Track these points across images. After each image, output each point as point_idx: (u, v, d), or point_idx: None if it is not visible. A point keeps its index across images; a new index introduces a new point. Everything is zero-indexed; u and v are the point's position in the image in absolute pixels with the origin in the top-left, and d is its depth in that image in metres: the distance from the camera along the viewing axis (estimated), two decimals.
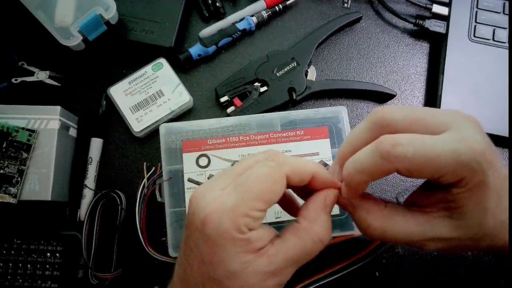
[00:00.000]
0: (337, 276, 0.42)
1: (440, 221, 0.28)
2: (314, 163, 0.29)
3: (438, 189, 0.28)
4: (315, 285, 0.42)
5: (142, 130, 0.49)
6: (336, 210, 0.44)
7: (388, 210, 0.29)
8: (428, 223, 0.28)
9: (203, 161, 0.44)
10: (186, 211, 0.29)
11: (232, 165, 0.29)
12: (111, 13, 0.47)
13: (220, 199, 0.26)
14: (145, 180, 0.44)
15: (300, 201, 0.32)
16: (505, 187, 0.27)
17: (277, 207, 0.45)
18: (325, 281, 0.42)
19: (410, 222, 0.28)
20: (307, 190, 0.30)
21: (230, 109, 0.51)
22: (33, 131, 0.44)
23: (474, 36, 0.53)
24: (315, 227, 0.28)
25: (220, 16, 0.54)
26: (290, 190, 0.32)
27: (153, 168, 0.46)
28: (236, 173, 0.28)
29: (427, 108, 0.29)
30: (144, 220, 0.44)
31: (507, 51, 0.53)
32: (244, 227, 0.26)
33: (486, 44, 0.53)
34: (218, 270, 0.26)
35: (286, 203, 0.33)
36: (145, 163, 0.46)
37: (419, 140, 0.25)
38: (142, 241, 0.43)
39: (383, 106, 0.28)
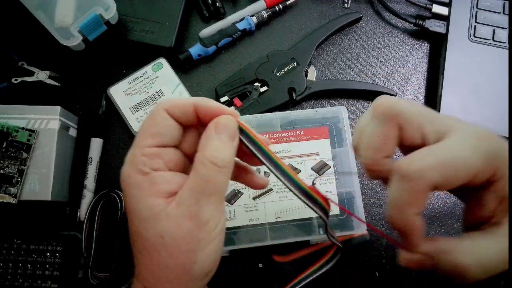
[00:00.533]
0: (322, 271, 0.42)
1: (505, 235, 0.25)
2: (197, 98, 0.28)
3: (483, 192, 0.26)
4: (303, 283, 0.42)
5: None
6: (336, 210, 0.44)
7: (465, 241, 0.26)
8: (504, 237, 0.25)
9: None
10: None
11: None
12: (111, 13, 0.47)
13: (127, 156, 0.28)
14: None
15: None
16: None
17: (276, 207, 0.45)
18: (313, 277, 0.42)
19: (495, 243, 0.26)
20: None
21: None
22: (33, 131, 0.44)
23: (474, 36, 0.53)
24: (203, 151, 0.26)
25: (220, 16, 0.54)
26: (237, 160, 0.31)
27: None
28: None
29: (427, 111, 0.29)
30: None
31: (507, 51, 0.53)
32: (142, 165, 0.26)
33: (486, 44, 0.53)
34: (134, 221, 0.26)
35: (241, 174, 0.32)
36: None
37: (435, 148, 0.25)
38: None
39: (388, 105, 0.27)
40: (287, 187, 0.28)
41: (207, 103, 0.28)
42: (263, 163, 0.28)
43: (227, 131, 0.27)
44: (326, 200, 0.29)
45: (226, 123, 0.27)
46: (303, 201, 0.29)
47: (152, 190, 0.26)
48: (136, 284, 0.27)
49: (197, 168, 0.26)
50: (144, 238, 0.26)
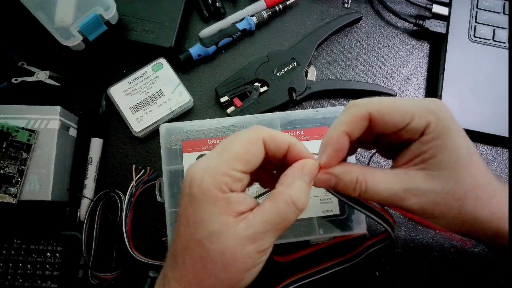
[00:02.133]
0: (325, 274, 0.42)
1: (417, 173, 0.30)
2: (292, 136, 0.31)
3: (412, 144, 0.30)
4: (301, 282, 0.42)
5: (142, 130, 0.49)
6: (336, 210, 0.44)
7: (368, 166, 0.32)
8: (406, 174, 0.30)
9: None
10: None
11: None
12: (111, 13, 0.47)
13: (205, 163, 0.28)
14: (133, 182, 0.45)
15: None
16: (474, 150, 0.30)
17: None
18: (311, 279, 0.42)
19: (390, 175, 0.30)
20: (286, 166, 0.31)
21: (230, 109, 0.51)
22: (33, 131, 0.44)
23: (474, 36, 0.53)
24: (289, 190, 0.28)
25: (220, 16, 0.54)
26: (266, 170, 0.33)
27: (142, 170, 0.47)
28: (222, 146, 0.30)
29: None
30: (130, 223, 0.45)
31: (507, 51, 0.53)
32: (224, 185, 0.27)
33: (486, 44, 0.53)
34: (199, 230, 0.27)
35: (264, 180, 0.34)
36: (134, 166, 0.47)
37: (385, 98, 0.30)
38: (127, 244, 0.43)
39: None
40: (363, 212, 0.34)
41: (300, 146, 0.30)
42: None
43: (312, 176, 0.30)
44: (393, 218, 0.34)
45: (313, 169, 0.30)
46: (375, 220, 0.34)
47: (226, 208, 0.27)
48: (174, 285, 0.28)
49: (278, 203, 0.28)
50: (205, 249, 0.27)
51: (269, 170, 0.33)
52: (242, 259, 0.27)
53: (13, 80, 0.49)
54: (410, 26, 0.55)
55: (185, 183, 0.28)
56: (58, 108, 0.46)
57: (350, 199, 0.33)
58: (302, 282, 0.42)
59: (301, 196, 0.28)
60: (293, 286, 0.42)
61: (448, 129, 0.29)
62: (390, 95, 0.52)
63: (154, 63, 0.51)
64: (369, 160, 0.41)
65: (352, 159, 0.45)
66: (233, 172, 0.28)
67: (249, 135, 0.29)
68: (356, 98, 0.52)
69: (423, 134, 0.29)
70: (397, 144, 0.32)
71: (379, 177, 0.30)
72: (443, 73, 0.52)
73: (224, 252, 0.27)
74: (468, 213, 0.29)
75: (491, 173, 0.30)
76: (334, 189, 0.32)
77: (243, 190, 0.30)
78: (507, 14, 0.54)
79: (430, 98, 0.31)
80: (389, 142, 0.32)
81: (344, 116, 0.30)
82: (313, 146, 0.45)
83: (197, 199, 0.27)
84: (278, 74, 0.51)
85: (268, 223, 0.28)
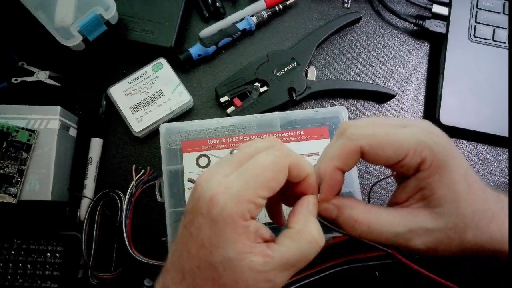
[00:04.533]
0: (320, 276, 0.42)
1: (420, 211, 0.29)
2: (312, 166, 0.30)
3: (410, 179, 0.30)
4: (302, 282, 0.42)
5: (142, 130, 0.49)
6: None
7: (372, 206, 0.31)
8: (409, 214, 0.29)
9: (203, 161, 0.44)
10: (189, 198, 0.29)
11: (231, 153, 0.30)
12: (111, 13, 0.47)
13: (226, 184, 0.27)
14: (133, 182, 0.45)
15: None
16: (471, 176, 0.29)
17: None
18: (314, 278, 0.42)
19: (394, 215, 0.30)
20: (287, 193, 0.31)
21: (230, 109, 0.51)
22: (33, 131, 0.44)
23: (474, 36, 0.53)
24: (308, 229, 0.28)
25: (220, 16, 0.54)
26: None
27: (142, 170, 0.47)
28: (238, 161, 0.28)
29: (385, 117, 0.32)
30: (130, 223, 0.44)
31: (507, 51, 0.53)
32: (247, 213, 0.26)
33: (486, 44, 0.53)
34: (215, 255, 0.26)
35: (272, 207, 0.34)
36: (134, 165, 0.47)
37: (379, 123, 0.29)
38: (127, 244, 0.43)
39: (348, 121, 0.32)
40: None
41: (314, 179, 0.30)
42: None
43: (316, 213, 0.30)
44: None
45: (316, 205, 0.30)
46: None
47: (245, 236, 0.26)
48: None
49: (300, 242, 0.28)
50: (218, 273, 0.26)
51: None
52: None
53: (13, 80, 0.49)
54: (410, 26, 0.55)
55: (202, 202, 0.26)
56: (58, 108, 0.46)
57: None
58: (303, 282, 0.42)
59: (320, 234, 0.29)
60: (294, 286, 0.42)
61: (445, 163, 0.28)
62: (390, 95, 0.52)
63: (154, 63, 0.51)
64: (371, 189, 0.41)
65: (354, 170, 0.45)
66: (258, 199, 0.27)
67: (277, 160, 0.28)
68: (356, 98, 0.53)
69: (418, 170, 0.29)
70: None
71: (384, 218, 0.30)
72: (443, 73, 0.52)
73: (236, 281, 0.26)
74: (468, 242, 0.29)
75: (489, 191, 0.30)
76: (335, 221, 0.31)
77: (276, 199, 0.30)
78: (507, 14, 0.54)
79: (426, 127, 0.29)
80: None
81: (334, 149, 0.30)
82: (313, 146, 0.46)
83: (217, 223, 0.26)
84: (278, 74, 0.51)
85: (288, 262, 0.27)
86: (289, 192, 0.31)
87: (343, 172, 0.30)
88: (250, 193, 0.26)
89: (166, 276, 0.29)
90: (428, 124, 0.30)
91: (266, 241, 0.28)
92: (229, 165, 0.28)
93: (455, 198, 0.28)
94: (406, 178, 0.30)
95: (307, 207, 0.30)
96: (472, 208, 0.29)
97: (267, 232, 0.28)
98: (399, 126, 0.29)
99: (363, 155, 0.29)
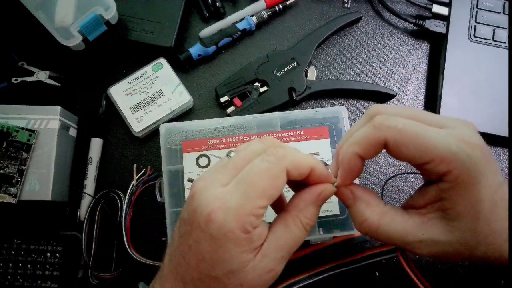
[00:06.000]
0: (324, 276, 0.42)
1: (435, 222, 0.28)
2: (312, 157, 0.29)
3: (431, 185, 0.28)
4: (301, 284, 0.42)
5: (142, 130, 0.49)
6: (336, 210, 0.44)
7: (387, 207, 0.30)
8: (423, 224, 0.28)
9: (203, 161, 0.44)
10: (185, 205, 0.28)
11: (228, 155, 0.29)
12: (111, 13, 0.47)
13: (224, 197, 0.26)
14: (133, 182, 0.45)
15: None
16: (501, 193, 0.27)
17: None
18: (313, 279, 0.42)
19: (407, 222, 0.28)
20: (301, 183, 0.30)
21: (230, 109, 0.51)
22: (33, 131, 0.44)
23: (474, 36, 0.53)
24: (303, 214, 0.28)
25: (220, 16, 0.54)
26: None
27: (143, 169, 0.46)
28: (235, 167, 0.28)
29: (424, 111, 0.30)
30: (130, 223, 0.44)
31: (507, 51, 0.53)
32: (249, 226, 0.26)
33: (486, 44, 0.53)
34: (218, 269, 0.26)
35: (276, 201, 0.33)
36: (135, 165, 0.47)
37: (412, 120, 0.27)
38: (126, 244, 0.43)
39: (380, 104, 0.29)
40: None
41: (321, 170, 0.29)
42: None
43: (325, 201, 0.30)
44: None
45: (330, 195, 0.30)
46: None
47: (248, 247, 0.26)
48: None
49: (291, 228, 0.28)
50: (222, 284, 0.26)
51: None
52: (258, 287, 0.27)
53: (13, 80, 0.49)
54: (410, 26, 0.55)
55: (200, 217, 0.26)
56: (58, 108, 0.46)
57: None
58: (302, 284, 0.42)
59: (314, 220, 0.29)
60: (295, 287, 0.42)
61: (473, 179, 0.25)
62: (390, 95, 0.52)
63: (154, 63, 0.51)
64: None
65: None
66: (258, 210, 0.26)
67: (272, 167, 0.26)
68: (356, 98, 0.53)
69: (442, 179, 0.27)
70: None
71: (396, 224, 0.28)
72: (443, 73, 0.52)
73: (241, 285, 0.26)
74: (476, 257, 0.28)
75: None
76: (347, 208, 0.31)
77: None
78: (507, 14, 0.54)
79: (464, 134, 0.26)
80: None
81: (358, 135, 0.28)
82: (313, 146, 0.46)
83: (217, 240, 0.25)
84: (278, 74, 0.51)
85: (283, 249, 0.28)
86: (300, 183, 0.30)
87: (363, 160, 0.29)
88: (249, 206, 0.26)
89: (164, 284, 0.29)
90: (468, 130, 0.27)
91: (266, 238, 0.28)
92: (225, 172, 0.27)
93: (476, 216, 0.26)
94: (428, 182, 0.29)
95: (313, 195, 0.29)
96: (490, 227, 0.27)
97: (266, 229, 0.28)
98: (435, 125, 0.27)
99: (386, 147, 0.27)
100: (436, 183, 0.27)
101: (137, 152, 0.50)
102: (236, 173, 0.27)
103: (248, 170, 0.27)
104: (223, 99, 0.51)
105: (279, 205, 0.32)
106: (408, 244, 0.28)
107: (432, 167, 0.26)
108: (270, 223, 0.30)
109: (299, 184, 0.31)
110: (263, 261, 0.27)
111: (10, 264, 0.44)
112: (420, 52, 0.56)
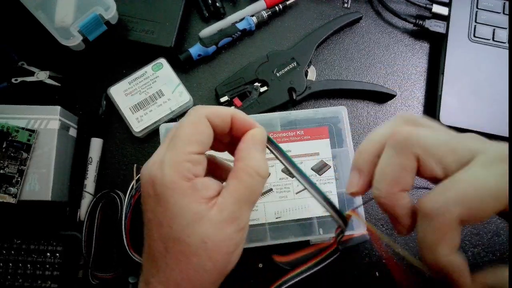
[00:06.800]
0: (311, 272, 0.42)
1: None
2: (233, 109, 0.30)
3: None
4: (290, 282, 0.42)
5: (142, 130, 0.49)
6: None
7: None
8: None
9: None
10: None
11: None
12: (111, 13, 0.47)
13: (159, 158, 0.27)
14: (133, 182, 0.45)
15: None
16: None
17: (276, 208, 0.45)
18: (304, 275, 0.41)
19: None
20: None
21: None
22: (33, 131, 0.44)
23: (474, 36, 0.53)
24: (247, 162, 0.28)
25: (220, 16, 0.54)
26: (217, 157, 0.33)
27: None
28: (169, 137, 0.29)
29: (452, 132, 0.27)
30: (129, 222, 0.44)
31: (507, 51, 0.53)
32: (187, 172, 0.27)
33: (486, 44, 0.53)
34: (174, 227, 0.26)
35: (215, 170, 0.33)
36: (135, 165, 0.47)
37: (456, 180, 0.24)
38: (125, 244, 0.43)
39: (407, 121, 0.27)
40: (307, 189, 0.30)
41: (242, 115, 0.30)
42: (287, 169, 0.31)
43: (263, 144, 0.29)
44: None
45: (262, 137, 0.29)
46: (323, 206, 0.30)
47: (195, 196, 0.27)
48: None
49: (242, 177, 0.28)
50: (184, 243, 0.26)
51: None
52: (224, 243, 0.27)
53: (13, 80, 0.49)
54: (410, 26, 0.55)
55: (145, 185, 0.27)
56: (58, 108, 0.46)
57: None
58: (292, 282, 0.42)
59: (261, 163, 0.28)
60: (285, 286, 0.42)
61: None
62: (390, 95, 0.52)
63: (154, 63, 0.51)
64: None
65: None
66: (190, 156, 0.27)
67: (192, 116, 0.28)
68: (356, 98, 0.53)
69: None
70: None
71: None
72: (443, 73, 0.52)
73: (205, 241, 0.26)
74: None
75: None
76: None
77: (205, 175, 0.29)
78: (507, 14, 0.54)
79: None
80: None
81: (431, 236, 0.24)
82: (313, 146, 0.46)
83: (164, 196, 0.26)
84: (278, 74, 0.51)
85: (239, 201, 0.27)
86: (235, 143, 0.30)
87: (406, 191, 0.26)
88: (180, 154, 0.27)
89: (144, 272, 0.29)
90: (501, 148, 0.24)
91: (219, 192, 0.28)
92: (162, 146, 0.29)
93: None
94: None
95: (249, 140, 0.29)
96: None
97: (218, 185, 0.28)
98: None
99: (462, 223, 0.23)
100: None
101: (137, 152, 0.50)
102: (168, 138, 0.29)
103: (174, 129, 0.28)
104: (223, 99, 0.51)
105: (223, 177, 0.33)
106: None
107: None
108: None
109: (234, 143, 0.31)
110: (222, 214, 0.27)
111: (10, 264, 0.44)
112: (420, 52, 0.56)
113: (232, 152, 0.31)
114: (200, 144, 0.28)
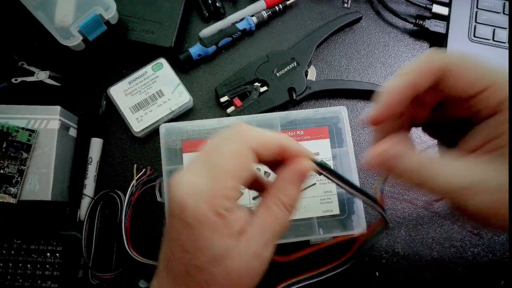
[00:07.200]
0: (323, 277, 0.42)
1: (490, 163, 0.24)
2: (281, 135, 0.29)
3: (482, 124, 0.26)
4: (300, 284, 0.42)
5: (142, 130, 0.49)
6: (336, 210, 0.44)
7: (428, 153, 0.27)
8: (476, 165, 0.25)
9: None
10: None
11: None
12: (111, 13, 0.47)
13: (194, 183, 0.26)
14: (133, 182, 0.45)
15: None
16: None
17: None
18: (312, 281, 0.42)
19: (457, 164, 0.25)
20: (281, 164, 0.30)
21: (230, 109, 0.51)
22: (33, 131, 0.44)
23: (474, 36, 0.53)
24: (281, 195, 0.28)
25: (220, 16, 0.54)
26: (257, 171, 0.32)
27: (143, 169, 0.46)
28: (207, 155, 0.27)
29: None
30: (129, 222, 0.44)
31: (507, 51, 0.53)
32: (221, 208, 0.25)
33: (486, 44, 0.53)
34: (201, 258, 0.26)
35: (256, 185, 0.32)
36: (135, 165, 0.47)
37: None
38: (125, 243, 0.43)
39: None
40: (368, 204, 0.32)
41: (291, 145, 0.28)
42: (346, 190, 0.31)
43: (304, 176, 0.28)
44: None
45: (306, 170, 0.28)
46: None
47: (226, 231, 0.26)
48: None
49: (273, 210, 0.27)
50: (208, 274, 0.26)
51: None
52: (248, 275, 0.27)
53: (13, 80, 0.49)
54: (410, 26, 0.55)
55: (174, 208, 0.26)
56: (58, 108, 0.46)
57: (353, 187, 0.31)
58: (303, 284, 0.42)
59: (294, 199, 0.28)
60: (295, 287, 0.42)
61: None
62: None
63: (154, 63, 0.51)
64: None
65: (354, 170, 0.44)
66: (227, 191, 0.26)
67: (236, 147, 0.27)
68: (356, 98, 0.53)
69: (498, 111, 0.24)
70: (455, 122, 0.28)
71: (448, 168, 0.25)
72: None
73: (229, 273, 0.26)
74: None
75: None
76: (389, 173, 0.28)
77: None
78: (507, 14, 0.54)
79: None
80: (447, 117, 0.28)
81: (411, 66, 0.26)
82: (313, 146, 0.46)
83: (193, 227, 0.25)
84: (278, 74, 0.51)
85: (267, 232, 0.27)
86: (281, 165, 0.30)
87: (410, 95, 0.26)
88: (218, 188, 0.25)
89: (160, 280, 0.29)
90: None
91: (248, 221, 0.27)
92: (198, 161, 0.27)
93: None
94: (469, 125, 0.27)
95: (291, 171, 0.28)
96: None
97: (246, 213, 0.28)
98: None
99: (438, 80, 0.25)
100: (489, 118, 0.25)
101: (137, 152, 0.50)
102: (207, 160, 0.27)
103: (216, 155, 0.27)
104: (223, 99, 0.51)
105: (261, 189, 0.32)
106: (461, 192, 0.24)
107: (488, 96, 0.24)
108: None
109: (279, 165, 0.30)
110: (248, 245, 0.26)
111: (10, 264, 0.44)
112: (420, 52, 0.56)
113: (270, 167, 0.31)
114: (239, 180, 0.26)
